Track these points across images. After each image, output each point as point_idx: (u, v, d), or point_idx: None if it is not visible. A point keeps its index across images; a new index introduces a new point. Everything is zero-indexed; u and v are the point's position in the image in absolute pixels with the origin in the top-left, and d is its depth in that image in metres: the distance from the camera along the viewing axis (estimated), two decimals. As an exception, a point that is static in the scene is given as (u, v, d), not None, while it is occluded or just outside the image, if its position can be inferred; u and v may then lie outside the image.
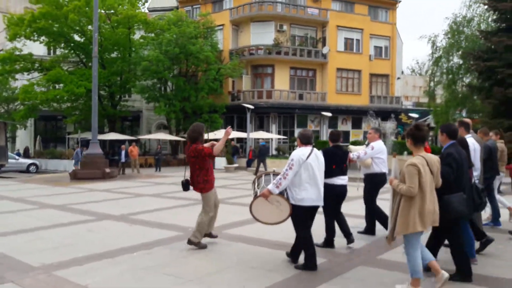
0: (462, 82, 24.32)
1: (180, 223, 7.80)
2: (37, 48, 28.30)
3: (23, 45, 26.61)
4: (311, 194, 4.87)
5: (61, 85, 27.16)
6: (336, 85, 32.87)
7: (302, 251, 5.09)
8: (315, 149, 5.06)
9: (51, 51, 32.50)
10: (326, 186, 5.45)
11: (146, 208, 9.87)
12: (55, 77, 25.62)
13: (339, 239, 6.05)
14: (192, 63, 28.32)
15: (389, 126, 34.15)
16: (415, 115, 29.28)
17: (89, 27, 27.80)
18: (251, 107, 25.46)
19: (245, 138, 29.86)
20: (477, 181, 5.37)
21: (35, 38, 26.58)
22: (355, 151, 6.53)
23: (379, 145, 6.51)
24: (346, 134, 33.50)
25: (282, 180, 4.81)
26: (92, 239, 6.80)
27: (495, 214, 7.20)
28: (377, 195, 6.58)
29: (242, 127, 31.79)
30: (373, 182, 6.46)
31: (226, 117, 31.48)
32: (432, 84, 27.34)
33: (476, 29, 21.96)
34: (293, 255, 5.23)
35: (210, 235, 6.30)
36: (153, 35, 29.80)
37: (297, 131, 32.09)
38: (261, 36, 31.68)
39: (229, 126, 6.31)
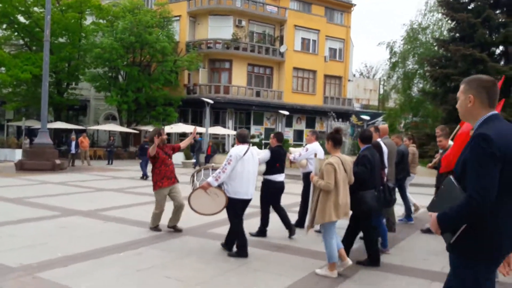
0: (417, 88, 25.39)
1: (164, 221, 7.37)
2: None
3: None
4: (245, 188, 5.34)
5: (3, 68, 25.20)
6: (292, 84, 33.16)
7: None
8: (251, 147, 5.54)
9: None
10: (269, 181, 6.36)
11: (114, 203, 9.30)
12: (-3, 59, 23.63)
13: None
14: (148, 53, 27.24)
15: (343, 127, 35.30)
16: (366, 117, 30.16)
17: (35, 8, 26.01)
18: (210, 101, 25.00)
19: (201, 133, 29.36)
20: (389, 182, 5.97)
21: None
22: (294, 153, 7.07)
23: (313, 147, 6.93)
24: (300, 133, 34.03)
25: (221, 173, 5.23)
26: (67, 237, 6.24)
27: (408, 211, 8.11)
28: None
29: (196, 122, 31.22)
30: (309, 181, 6.92)
31: (181, 111, 30.74)
32: (387, 88, 28.31)
33: (432, 37, 22.99)
34: (227, 244, 5.63)
35: (174, 227, 6.69)
36: (105, 22, 28.40)
37: (253, 128, 32.08)
38: (219, 30, 31.22)
39: (195, 126, 7.11)
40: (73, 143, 19.88)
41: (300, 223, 6.96)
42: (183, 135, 28.78)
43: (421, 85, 25.50)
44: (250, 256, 5.40)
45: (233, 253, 5.45)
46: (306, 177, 6.89)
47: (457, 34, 19.95)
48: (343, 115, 35.77)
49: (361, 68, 66.12)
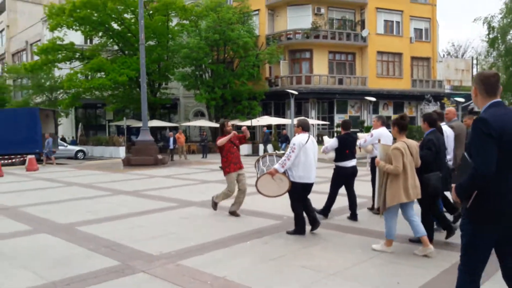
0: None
1: (273, 211, 7.57)
2: (73, 38, 28.34)
3: (64, 35, 26.80)
4: (308, 173, 5.79)
5: (102, 73, 27.36)
6: (376, 69, 32.03)
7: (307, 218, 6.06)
8: (311, 135, 5.94)
9: (88, 40, 32.75)
10: (339, 168, 6.82)
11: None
12: (97, 65, 25.72)
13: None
14: (231, 49, 27.95)
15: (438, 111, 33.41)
16: (460, 99, 28.24)
17: (126, 15, 27.78)
18: (295, 92, 25.00)
19: (284, 125, 29.54)
20: (450, 163, 6.09)
21: (76, 28, 26.66)
22: (362, 138, 7.33)
23: (378, 132, 7.02)
24: (388, 119, 32.72)
25: (286, 161, 5.73)
26: (191, 227, 6.64)
27: None
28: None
29: (279, 114, 31.47)
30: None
31: (264, 104, 31.12)
32: (485, 67, 26.15)
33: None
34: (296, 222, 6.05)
35: (234, 213, 7.38)
36: (188, 22, 29.59)
37: (337, 117, 31.56)
38: (298, 20, 31.04)
39: (244, 126, 7.36)
40: (171, 139, 21.09)
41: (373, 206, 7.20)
42: (269, 127, 29.14)
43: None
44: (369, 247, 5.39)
45: (291, 231, 6.02)
46: (372, 162, 7.11)
47: None
48: (434, 98, 33.94)
49: (448, 47, 61.84)
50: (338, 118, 31.61)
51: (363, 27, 31.80)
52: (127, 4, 26.41)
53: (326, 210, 7.00)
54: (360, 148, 7.26)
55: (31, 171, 16.91)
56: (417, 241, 5.26)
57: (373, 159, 7.07)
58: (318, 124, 30.57)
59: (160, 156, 18.55)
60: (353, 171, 6.88)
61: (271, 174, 5.80)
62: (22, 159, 19.56)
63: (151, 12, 28.08)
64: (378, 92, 30.90)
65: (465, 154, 2.77)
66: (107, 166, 18.94)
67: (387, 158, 4.97)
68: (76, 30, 26.88)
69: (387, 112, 33.12)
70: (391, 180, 4.91)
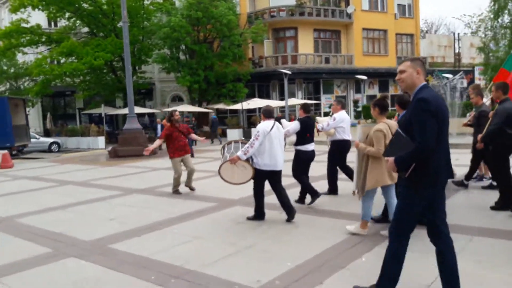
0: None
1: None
2: (36, 21, 25.56)
3: (27, 16, 24.11)
4: (274, 160, 5.67)
5: (73, 58, 24.91)
6: (363, 46, 31.06)
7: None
8: (276, 122, 5.84)
9: (52, 23, 29.82)
10: (300, 151, 6.66)
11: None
12: (68, 49, 23.29)
13: None
14: (214, 28, 26.05)
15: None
16: (448, 75, 27.66)
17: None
18: (288, 72, 23.63)
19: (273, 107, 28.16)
20: None
21: (42, 8, 24.01)
22: (321, 122, 7.25)
23: (340, 116, 7.08)
24: (373, 98, 31.93)
25: (249, 148, 5.59)
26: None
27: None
28: (343, 158, 7.30)
29: (263, 96, 29.99)
30: (338, 148, 7.23)
31: (247, 86, 29.38)
32: (485, 40, 25.51)
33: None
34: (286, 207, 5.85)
35: (190, 187, 8.41)
36: (161, 1, 27.34)
37: (323, 97, 30.51)
38: (281, -4, 29.47)
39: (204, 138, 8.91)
40: (159, 126, 19.23)
41: (333, 190, 7.29)
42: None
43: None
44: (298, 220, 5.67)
45: (251, 216, 5.92)
46: (333, 144, 7.25)
47: None
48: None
49: (421, 24, 61.92)
50: (325, 99, 30.56)
51: (347, 4, 30.63)
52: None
53: (301, 200, 6.78)
54: (319, 131, 7.17)
55: (6, 168, 14.79)
56: (380, 220, 5.33)
57: (333, 142, 7.24)
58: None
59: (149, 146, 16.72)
60: (312, 155, 6.78)
61: (233, 161, 5.66)
62: (-9, 155, 17.25)
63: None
64: (365, 70, 29.94)
65: (399, 130, 2.99)
66: (91, 159, 17.01)
67: (367, 140, 4.80)
68: (43, 10, 24.18)
69: (373, 90, 32.37)
70: (373, 163, 4.75)
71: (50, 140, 23.66)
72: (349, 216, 5.80)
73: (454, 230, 3.65)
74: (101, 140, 23.01)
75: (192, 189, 8.32)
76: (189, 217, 6.29)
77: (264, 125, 5.68)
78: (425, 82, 3.05)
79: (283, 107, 26.36)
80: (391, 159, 3.02)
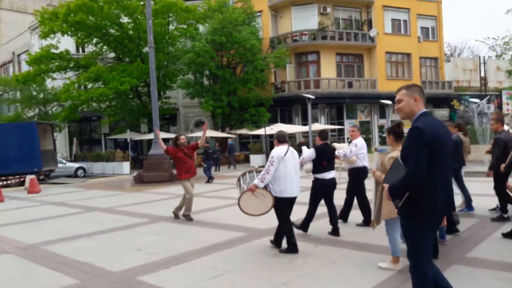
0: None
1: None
2: (65, 46, 26.32)
3: (57, 42, 24.86)
4: (289, 186, 5.53)
5: (100, 83, 25.40)
6: (386, 70, 30.80)
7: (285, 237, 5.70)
8: (290, 147, 5.72)
9: (80, 49, 30.68)
10: (317, 179, 6.45)
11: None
12: (96, 74, 23.78)
13: None
14: (238, 52, 26.27)
15: (442, 114, 32.27)
16: (475, 100, 26.94)
17: (125, 19, 25.90)
18: (312, 97, 23.51)
19: (296, 133, 27.97)
20: None
21: (71, 34, 24.72)
22: (340, 149, 6.97)
23: (360, 142, 6.96)
24: (398, 125, 31.38)
25: (265, 175, 5.44)
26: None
27: (468, 200, 7.71)
28: (363, 186, 7.06)
29: (285, 121, 29.78)
30: (358, 176, 7.04)
31: (270, 111, 29.22)
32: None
33: None
34: (276, 241, 5.81)
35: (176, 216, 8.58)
36: (186, 26, 27.81)
37: (347, 123, 30.11)
38: (303, 21, 29.69)
39: (205, 122, 9.09)
40: (183, 152, 19.15)
41: (344, 217, 7.17)
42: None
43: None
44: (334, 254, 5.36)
45: (283, 249, 5.65)
46: (352, 172, 7.06)
47: None
48: (443, 101, 32.83)
49: (444, 48, 61.34)
50: (348, 124, 30.17)
51: (370, 27, 30.59)
52: (124, 7, 24.55)
53: (305, 226, 6.56)
54: (339, 158, 6.87)
55: (33, 193, 14.93)
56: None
57: (352, 170, 7.04)
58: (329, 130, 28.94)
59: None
60: (332, 183, 6.53)
61: (251, 191, 5.47)
62: (19, 179, 17.51)
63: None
64: (389, 95, 29.46)
65: (398, 158, 3.05)
66: (117, 184, 17.05)
67: (381, 168, 4.68)
68: (72, 36, 24.90)
69: (397, 116, 31.70)
70: None
71: (76, 165, 23.95)
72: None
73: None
74: (126, 166, 23.18)
75: (178, 217, 8.44)
76: (218, 248, 6.06)
77: (278, 150, 5.58)
78: (425, 110, 3.04)
79: (306, 132, 26.19)
80: (386, 186, 3.03)
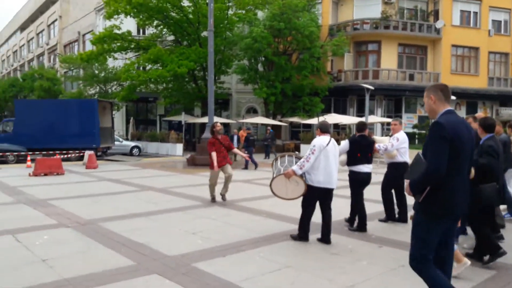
0: None
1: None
2: (127, 28, 26.93)
3: (120, 23, 25.49)
4: (328, 177, 5.41)
5: (158, 65, 25.85)
6: (451, 64, 29.10)
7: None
8: (332, 138, 5.58)
9: (140, 31, 31.39)
10: (352, 172, 6.28)
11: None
12: (155, 56, 24.16)
13: None
14: (295, 39, 25.74)
15: (509, 113, 30.12)
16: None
17: (185, 2, 26.08)
18: (371, 87, 22.65)
19: (345, 124, 27.15)
20: None
21: (134, 15, 25.25)
22: (381, 143, 6.78)
23: (402, 136, 6.69)
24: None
25: (305, 163, 5.35)
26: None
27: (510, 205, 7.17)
28: (402, 183, 6.61)
29: (339, 112, 28.96)
30: (397, 171, 6.62)
31: (322, 100, 28.47)
32: None
33: None
34: (300, 233, 5.74)
35: (222, 196, 8.63)
36: (244, 12, 27.55)
37: (405, 116, 28.90)
38: (365, 9, 28.62)
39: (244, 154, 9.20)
40: (235, 137, 19.18)
41: (391, 217, 6.82)
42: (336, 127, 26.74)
43: None
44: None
45: (295, 235, 5.72)
46: (391, 167, 6.78)
47: None
48: (511, 99, 30.69)
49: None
50: (406, 118, 28.94)
51: (436, 18, 28.93)
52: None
53: (361, 225, 6.24)
54: (375, 151, 6.58)
55: (91, 168, 15.46)
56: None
57: (391, 164, 6.77)
58: (382, 123, 27.83)
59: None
60: (366, 178, 6.29)
61: (288, 176, 5.41)
62: (78, 154, 18.21)
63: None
64: (452, 90, 27.11)
65: (419, 153, 3.01)
66: (170, 165, 17.31)
67: None
68: (134, 17, 25.44)
69: (459, 112, 30.05)
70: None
71: (132, 144, 24.61)
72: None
73: None
74: (179, 147, 23.55)
75: (224, 199, 8.53)
76: (274, 239, 5.84)
77: (321, 139, 5.47)
78: (448, 108, 3.06)
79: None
80: (407, 181, 3.04)
